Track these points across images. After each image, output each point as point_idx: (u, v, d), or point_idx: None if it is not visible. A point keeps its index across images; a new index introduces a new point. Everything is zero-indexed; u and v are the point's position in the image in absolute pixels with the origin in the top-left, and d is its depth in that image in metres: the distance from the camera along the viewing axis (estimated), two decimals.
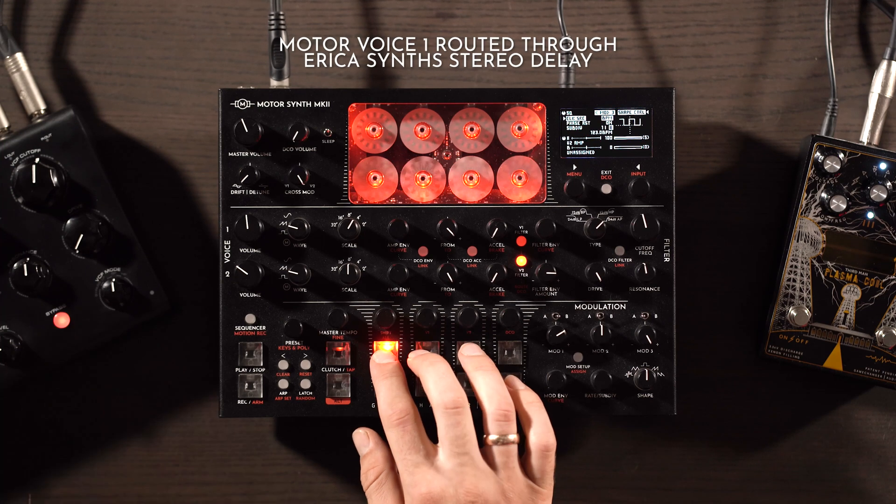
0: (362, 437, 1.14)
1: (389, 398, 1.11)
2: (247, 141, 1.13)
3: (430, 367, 1.11)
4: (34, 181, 1.13)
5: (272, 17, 1.16)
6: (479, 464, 1.09)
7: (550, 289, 1.15)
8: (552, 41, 1.20)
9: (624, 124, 1.15)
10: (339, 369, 1.15)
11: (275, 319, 1.14)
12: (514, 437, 1.10)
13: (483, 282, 1.15)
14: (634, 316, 1.15)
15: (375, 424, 1.18)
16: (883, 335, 1.17)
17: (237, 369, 1.14)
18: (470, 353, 1.13)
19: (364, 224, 1.14)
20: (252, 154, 1.14)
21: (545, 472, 1.11)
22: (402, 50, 1.20)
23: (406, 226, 1.14)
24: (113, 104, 1.19)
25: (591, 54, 1.20)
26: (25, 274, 1.14)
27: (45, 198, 1.14)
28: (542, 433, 1.11)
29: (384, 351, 1.14)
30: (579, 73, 1.19)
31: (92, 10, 1.19)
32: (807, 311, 1.17)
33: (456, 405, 1.09)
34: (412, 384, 1.14)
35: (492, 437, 1.10)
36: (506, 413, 1.10)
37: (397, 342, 1.15)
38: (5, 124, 1.17)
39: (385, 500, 1.11)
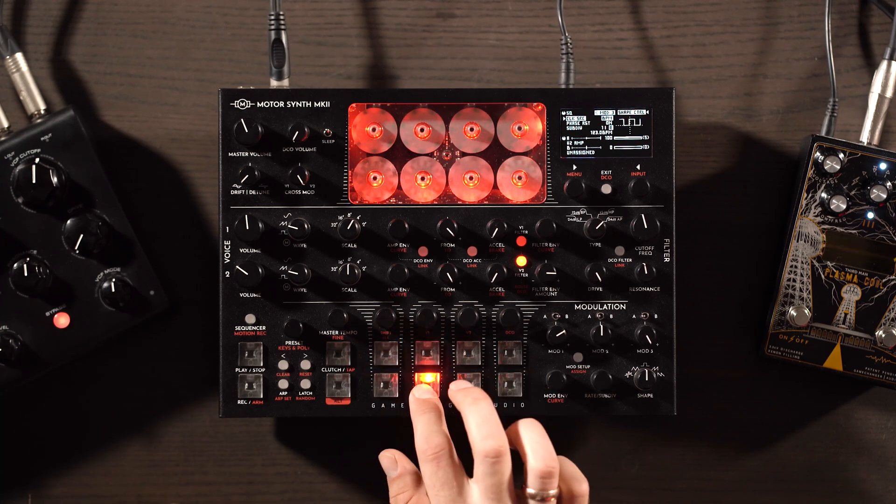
0: (390, 462, 1.14)
1: (426, 433, 1.10)
2: (247, 141, 1.13)
3: (472, 407, 1.10)
4: (34, 181, 1.13)
5: (272, 17, 1.16)
6: None
7: (550, 289, 1.15)
8: (552, 41, 1.20)
9: (624, 124, 1.15)
10: (339, 369, 1.15)
11: (275, 319, 1.14)
12: (553, 492, 1.08)
13: (483, 282, 1.15)
14: (634, 316, 1.15)
15: (376, 424, 1.18)
16: (883, 335, 1.17)
17: (237, 369, 1.14)
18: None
19: (364, 224, 1.14)
20: (252, 154, 1.14)
21: None
22: (402, 50, 1.20)
23: (406, 226, 1.14)
24: (113, 104, 1.19)
25: (591, 54, 1.20)
26: (25, 274, 1.14)
27: (45, 198, 1.14)
28: (575, 483, 1.10)
29: (424, 386, 1.14)
30: (579, 73, 1.19)
31: (92, 10, 1.19)
32: (807, 311, 1.17)
33: (497, 455, 1.08)
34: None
35: (531, 492, 1.08)
36: (550, 472, 1.08)
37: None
38: (5, 124, 1.17)
39: None
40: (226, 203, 1.14)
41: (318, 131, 1.14)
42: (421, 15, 1.20)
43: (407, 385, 1.14)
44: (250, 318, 1.15)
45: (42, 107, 1.17)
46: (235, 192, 1.14)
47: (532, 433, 1.10)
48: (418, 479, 1.13)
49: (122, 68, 1.19)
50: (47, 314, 1.15)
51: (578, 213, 1.15)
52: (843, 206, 1.17)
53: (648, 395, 1.15)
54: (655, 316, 1.15)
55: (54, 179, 1.13)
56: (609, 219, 1.15)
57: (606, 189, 1.15)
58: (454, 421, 1.12)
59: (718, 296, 1.20)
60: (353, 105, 1.14)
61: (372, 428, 1.19)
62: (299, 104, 1.14)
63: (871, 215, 1.17)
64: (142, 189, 1.19)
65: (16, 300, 1.15)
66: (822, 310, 1.17)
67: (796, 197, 1.18)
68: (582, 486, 1.10)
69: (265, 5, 1.19)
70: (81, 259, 1.15)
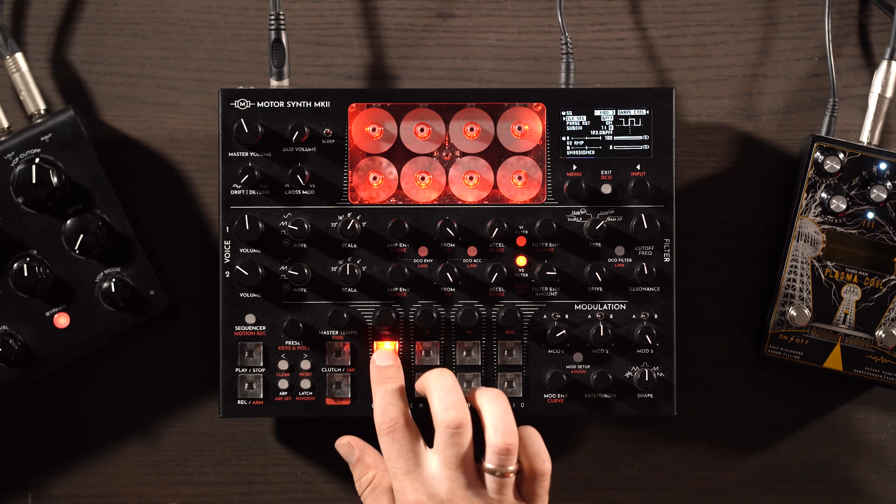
0: (347, 448, 1.15)
1: (382, 406, 1.11)
2: (247, 141, 1.13)
3: (435, 380, 1.10)
4: (34, 181, 1.13)
5: (272, 17, 1.16)
6: (471, 484, 1.08)
7: (550, 289, 1.15)
8: (552, 41, 1.20)
9: (624, 124, 1.15)
10: (339, 369, 1.15)
11: (275, 319, 1.14)
12: (512, 467, 1.08)
13: (483, 282, 1.15)
14: (634, 316, 1.15)
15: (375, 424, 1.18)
16: (883, 335, 1.17)
17: (237, 369, 1.14)
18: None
19: (364, 224, 1.14)
20: (252, 154, 1.14)
21: (538, 495, 1.10)
22: (402, 50, 1.20)
23: (406, 226, 1.14)
24: (113, 104, 1.20)
25: (591, 54, 1.20)
26: (25, 274, 1.14)
27: (45, 198, 1.14)
28: (538, 460, 1.10)
29: (385, 350, 1.14)
30: (579, 73, 1.19)
31: (92, 10, 1.19)
32: (807, 311, 1.17)
33: (458, 426, 1.08)
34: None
35: (489, 467, 1.08)
36: (508, 448, 1.08)
37: (398, 342, 1.15)
38: (5, 124, 1.17)
39: (379, 502, 1.11)
40: (226, 203, 1.14)
41: (318, 131, 1.14)
42: (421, 15, 1.20)
43: (407, 385, 1.14)
44: (250, 318, 1.15)
45: (42, 107, 1.17)
46: (235, 192, 1.14)
47: (494, 407, 1.09)
48: (378, 460, 1.13)
49: (122, 68, 1.19)
50: (47, 314, 1.15)
51: (578, 213, 1.15)
52: (843, 206, 1.17)
53: (648, 395, 1.15)
54: (655, 316, 1.15)
55: (54, 179, 1.13)
56: (609, 219, 1.15)
57: (606, 189, 1.15)
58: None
59: (718, 296, 1.20)
60: (353, 105, 1.14)
61: (372, 428, 1.19)
62: (299, 104, 1.14)
63: (871, 215, 1.17)
64: (142, 189, 1.19)
65: (16, 300, 1.15)
66: (822, 310, 1.17)
67: (796, 197, 1.18)
68: (544, 464, 1.09)
69: (265, 5, 1.19)
70: (81, 259, 1.15)
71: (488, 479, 1.08)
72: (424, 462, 1.09)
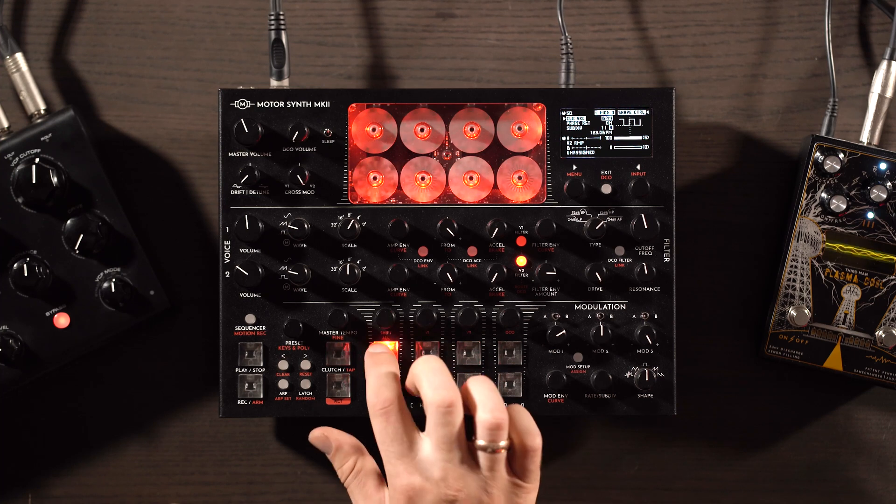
0: (322, 440, 1.14)
1: (376, 387, 1.10)
2: (247, 141, 1.13)
3: (424, 364, 1.11)
4: (34, 181, 1.13)
5: (272, 17, 1.16)
6: (464, 462, 1.08)
7: (550, 289, 1.15)
8: (552, 41, 1.20)
9: (624, 124, 1.15)
10: (339, 369, 1.15)
11: (275, 319, 1.14)
12: (503, 443, 1.09)
13: (483, 282, 1.15)
14: (634, 316, 1.15)
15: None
16: (883, 335, 1.17)
17: (237, 369, 1.14)
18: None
19: (364, 224, 1.14)
20: (252, 154, 1.14)
21: (530, 470, 1.10)
22: (402, 50, 1.20)
23: (406, 226, 1.14)
24: (113, 104, 1.20)
25: (591, 54, 1.20)
26: (25, 274, 1.14)
27: (45, 198, 1.14)
28: (528, 436, 1.10)
29: (379, 343, 1.14)
30: (579, 73, 1.19)
31: (92, 10, 1.19)
32: (807, 311, 1.17)
33: (448, 404, 1.08)
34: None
35: (481, 443, 1.08)
36: (498, 423, 1.08)
37: (397, 342, 1.15)
38: (5, 124, 1.17)
39: (364, 486, 1.11)
40: (226, 203, 1.14)
41: (318, 131, 1.14)
42: (421, 15, 1.20)
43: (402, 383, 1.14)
44: (250, 318, 1.15)
45: (42, 107, 1.17)
46: (235, 192, 1.14)
47: (481, 387, 1.10)
48: (356, 446, 1.13)
49: (122, 68, 1.19)
50: (47, 314, 1.15)
51: (578, 213, 1.15)
52: (843, 206, 1.17)
53: (648, 395, 1.15)
54: (655, 316, 1.15)
55: (54, 179, 1.13)
56: (609, 219, 1.15)
57: (606, 189, 1.15)
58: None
59: (718, 296, 1.20)
60: (353, 105, 1.14)
61: (372, 428, 1.19)
62: (299, 104, 1.14)
63: (871, 215, 1.17)
64: (142, 189, 1.19)
65: (16, 300, 1.15)
66: (822, 310, 1.17)
67: (796, 197, 1.18)
68: (535, 440, 1.10)
69: (265, 5, 1.19)
70: (81, 259, 1.15)
71: (481, 456, 1.08)
72: (418, 445, 1.09)
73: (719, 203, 1.20)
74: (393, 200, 1.15)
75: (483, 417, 1.08)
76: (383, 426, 1.09)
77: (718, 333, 1.20)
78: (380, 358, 1.13)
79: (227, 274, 1.14)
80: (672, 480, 1.21)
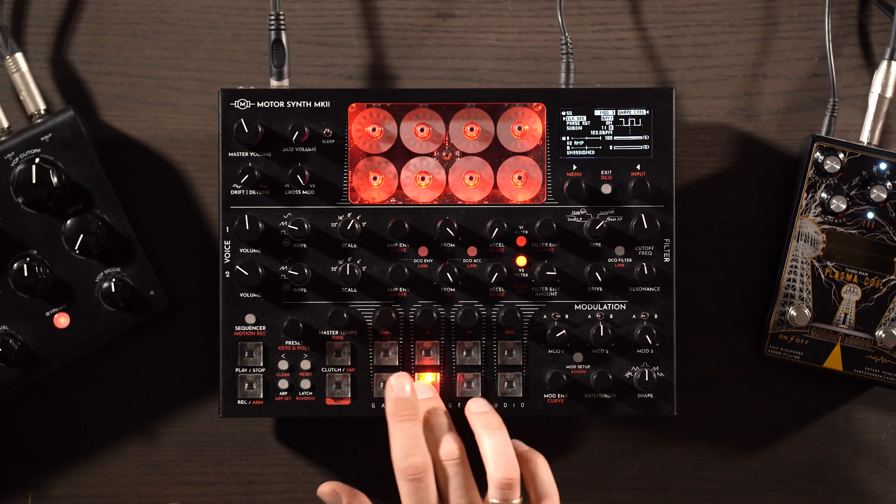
0: (332, 496, 1.14)
1: (407, 448, 1.09)
2: (247, 141, 1.13)
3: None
4: (34, 181, 1.13)
5: (272, 17, 1.16)
6: None
7: (550, 289, 1.15)
8: (552, 41, 1.20)
9: (624, 124, 1.15)
10: (339, 369, 1.15)
11: (275, 319, 1.14)
12: (517, 501, 1.08)
13: (483, 282, 1.15)
14: (634, 316, 1.15)
15: (375, 425, 1.18)
16: (883, 335, 1.17)
17: (237, 369, 1.14)
18: (477, 410, 1.12)
19: (364, 224, 1.14)
20: (252, 154, 1.14)
21: None
22: (402, 50, 1.20)
23: (406, 226, 1.14)
24: (113, 104, 1.20)
25: (591, 54, 1.20)
26: (25, 274, 1.14)
27: (45, 198, 1.14)
28: (545, 493, 1.10)
29: (402, 377, 1.12)
30: (579, 73, 1.19)
31: (92, 10, 1.19)
32: (807, 311, 1.17)
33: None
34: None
35: (493, 502, 1.08)
36: (510, 482, 1.08)
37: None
38: (5, 124, 1.17)
39: None
40: (226, 203, 1.14)
41: (318, 131, 1.14)
42: (421, 15, 1.20)
43: None
44: (250, 318, 1.15)
45: (42, 107, 1.17)
46: (235, 192, 1.14)
47: (493, 442, 1.09)
48: (366, 501, 1.14)
49: (122, 68, 1.19)
50: (47, 314, 1.15)
51: (578, 213, 1.15)
52: (843, 206, 1.17)
53: (648, 395, 1.15)
54: (655, 316, 1.15)
55: (54, 179, 1.13)
56: (609, 219, 1.15)
57: (606, 189, 1.15)
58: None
59: (718, 296, 1.20)
60: (353, 105, 1.14)
61: (372, 428, 1.19)
62: (299, 104, 1.14)
63: (871, 215, 1.17)
64: (142, 189, 1.19)
65: (16, 300, 1.15)
66: (822, 310, 1.17)
67: (796, 197, 1.18)
68: (553, 499, 1.10)
69: (265, 5, 1.19)
70: (81, 259, 1.15)
71: None
72: None
73: (719, 203, 1.20)
74: (393, 200, 1.15)
75: (495, 476, 1.08)
76: (413, 491, 1.08)
77: (718, 333, 1.20)
78: (405, 409, 1.10)
79: (227, 274, 1.14)
80: (672, 480, 1.21)
